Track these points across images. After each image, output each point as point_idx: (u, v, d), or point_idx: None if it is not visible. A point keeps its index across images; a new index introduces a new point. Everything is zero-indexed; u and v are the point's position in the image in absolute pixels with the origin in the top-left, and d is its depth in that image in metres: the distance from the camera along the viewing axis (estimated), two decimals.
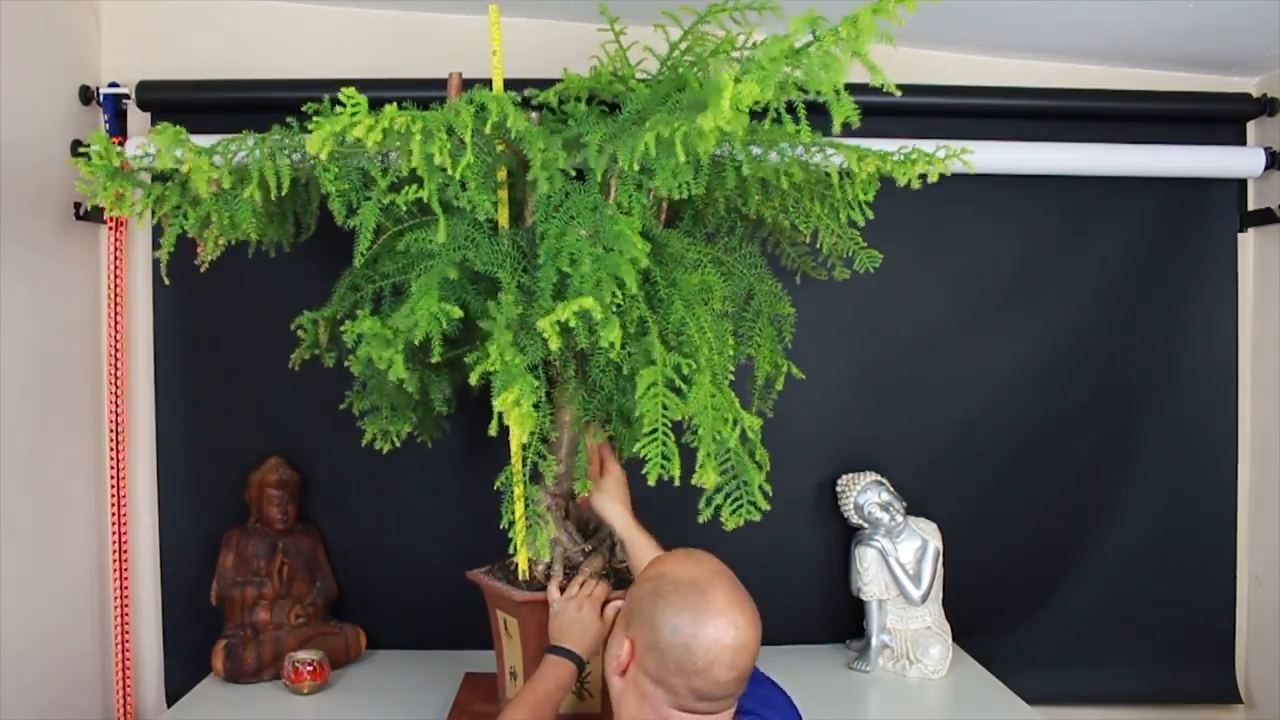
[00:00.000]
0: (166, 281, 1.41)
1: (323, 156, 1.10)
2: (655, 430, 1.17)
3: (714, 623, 0.99)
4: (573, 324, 1.12)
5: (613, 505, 1.45)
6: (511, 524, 1.44)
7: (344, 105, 1.08)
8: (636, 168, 1.15)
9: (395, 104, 1.10)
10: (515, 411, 1.12)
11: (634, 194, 1.27)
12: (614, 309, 1.13)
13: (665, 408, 1.17)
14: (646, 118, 1.21)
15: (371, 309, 1.44)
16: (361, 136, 1.05)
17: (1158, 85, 2.05)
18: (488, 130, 1.18)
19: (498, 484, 1.43)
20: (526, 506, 1.45)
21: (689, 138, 1.01)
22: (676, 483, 1.18)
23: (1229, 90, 2.08)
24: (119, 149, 1.34)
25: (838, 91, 0.97)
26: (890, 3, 0.91)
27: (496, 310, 1.20)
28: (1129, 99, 2.01)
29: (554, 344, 1.12)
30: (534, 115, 1.47)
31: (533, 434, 1.38)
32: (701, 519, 1.25)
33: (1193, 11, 1.77)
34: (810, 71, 0.95)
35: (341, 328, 1.28)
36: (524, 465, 1.42)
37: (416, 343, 1.18)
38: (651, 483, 1.18)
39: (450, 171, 1.13)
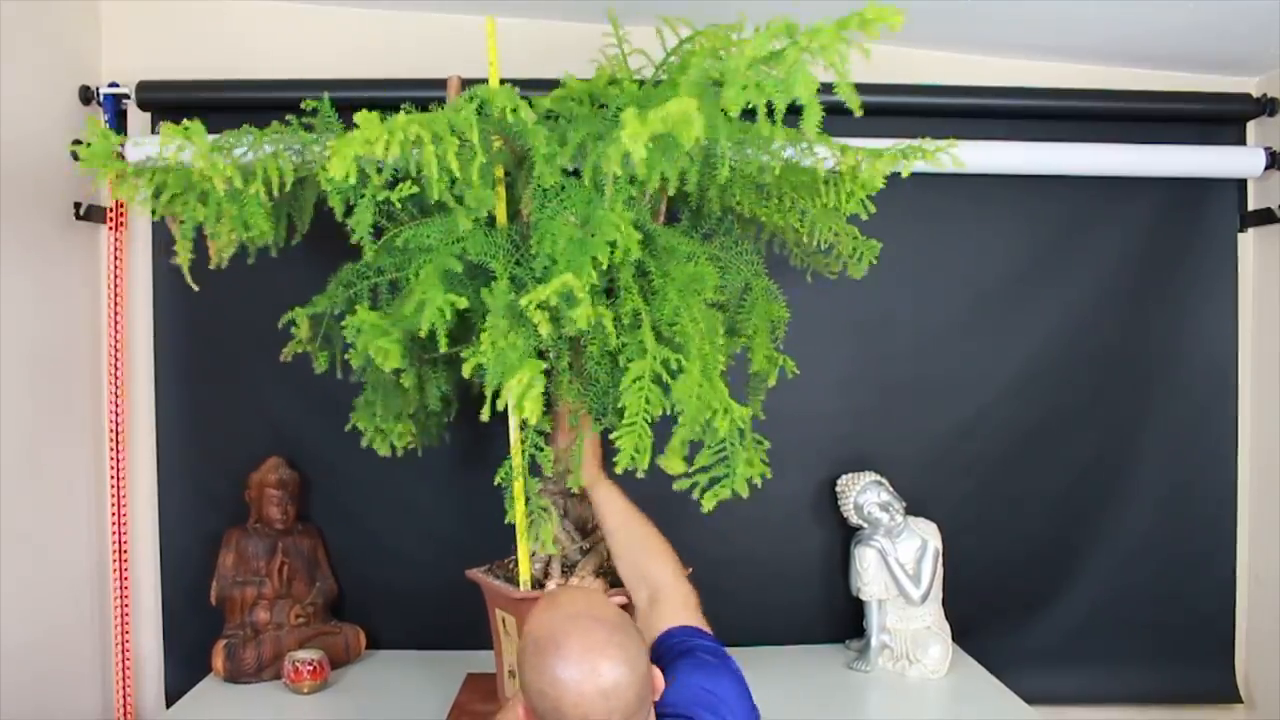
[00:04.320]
0: (195, 287, 1.39)
1: (352, 179, 1.09)
2: (634, 422, 1.19)
3: (571, 675, 0.94)
4: (553, 303, 1.12)
5: (597, 483, 1.45)
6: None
7: (345, 109, 1.08)
8: (619, 170, 1.15)
9: (399, 109, 1.10)
10: (529, 396, 1.12)
11: (625, 188, 1.27)
12: (593, 289, 1.14)
13: (648, 401, 1.19)
14: None
15: (369, 305, 1.44)
16: (380, 155, 1.05)
17: (1158, 85, 2.05)
18: (495, 118, 1.18)
19: (498, 479, 1.43)
20: (527, 501, 1.45)
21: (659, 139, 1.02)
22: (641, 474, 1.21)
23: (1229, 90, 2.08)
24: (116, 134, 1.33)
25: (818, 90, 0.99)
26: (853, 21, 0.93)
27: (489, 297, 1.20)
28: (1129, 99, 2.01)
29: (544, 329, 1.12)
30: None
31: (526, 425, 1.37)
32: (693, 509, 1.26)
33: (1193, 11, 1.77)
34: (787, 79, 0.97)
35: (342, 323, 1.28)
36: (523, 458, 1.42)
37: (422, 335, 1.18)
38: (619, 471, 1.21)
39: (463, 171, 1.13)
